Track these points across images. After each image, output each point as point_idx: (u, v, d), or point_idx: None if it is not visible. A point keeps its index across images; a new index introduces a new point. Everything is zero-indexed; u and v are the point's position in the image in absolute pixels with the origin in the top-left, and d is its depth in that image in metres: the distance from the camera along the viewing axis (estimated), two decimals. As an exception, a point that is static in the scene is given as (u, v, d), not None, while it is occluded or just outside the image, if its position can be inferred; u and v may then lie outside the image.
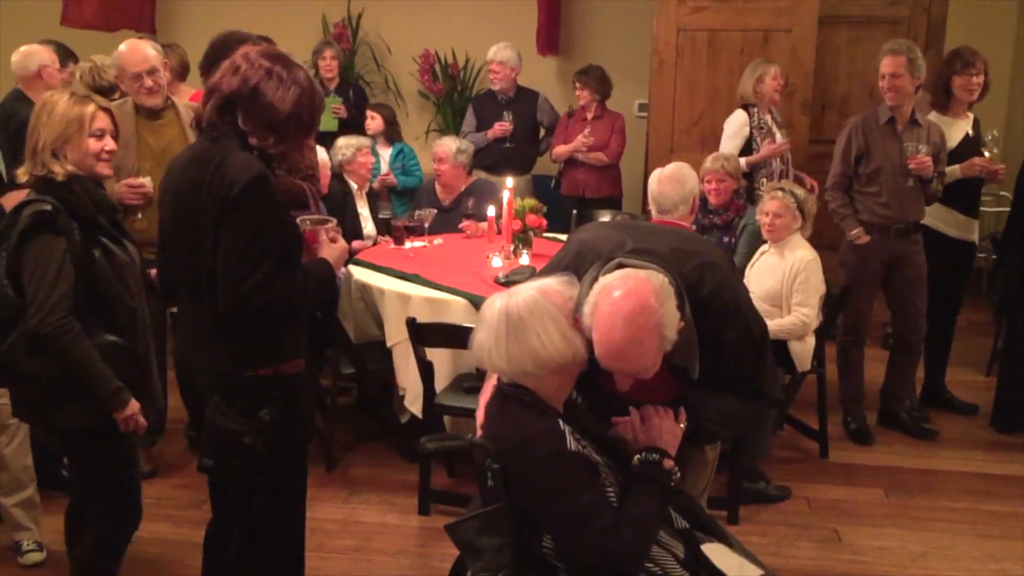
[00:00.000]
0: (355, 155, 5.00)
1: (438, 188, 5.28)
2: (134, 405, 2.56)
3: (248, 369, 2.35)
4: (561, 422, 2.04)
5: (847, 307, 4.30)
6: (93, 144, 2.56)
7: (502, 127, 5.82)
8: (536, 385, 2.06)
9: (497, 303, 2.07)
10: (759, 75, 4.96)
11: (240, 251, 2.21)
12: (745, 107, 5.03)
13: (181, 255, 2.37)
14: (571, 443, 2.00)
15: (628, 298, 2.00)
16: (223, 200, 2.21)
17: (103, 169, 2.62)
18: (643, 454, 2.11)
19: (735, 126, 5.02)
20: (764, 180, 4.96)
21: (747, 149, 4.96)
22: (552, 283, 2.10)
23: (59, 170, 2.49)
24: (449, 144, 5.18)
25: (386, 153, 5.76)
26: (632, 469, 2.12)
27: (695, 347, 2.15)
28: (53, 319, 2.43)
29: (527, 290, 2.07)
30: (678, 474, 2.11)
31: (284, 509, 2.53)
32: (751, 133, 4.97)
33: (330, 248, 2.48)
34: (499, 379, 2.14)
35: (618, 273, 2.08)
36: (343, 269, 4.25)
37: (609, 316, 2.00)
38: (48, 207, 2.45)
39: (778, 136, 5.02)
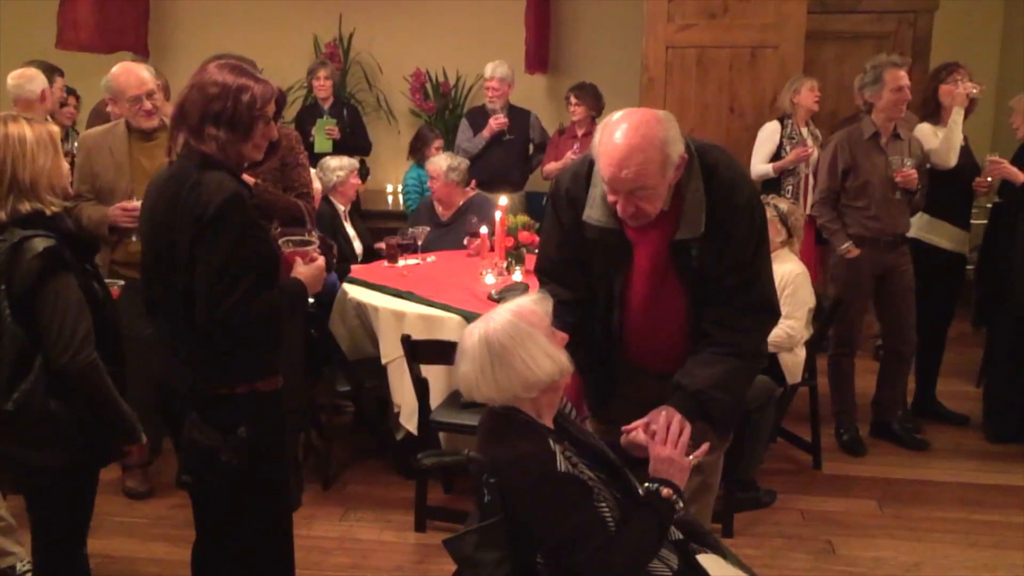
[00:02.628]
0: (348, 177, 5.04)
1: (436, 205, 5.33)
2: (144, 436, 2.58)
3: (225, 387, 2.36)
4: (551, 441, 2.06)
5: (838, 320, 4.35)
6: (64, 164, 2.52)
7: (498, 122, 5.88)
8: (526, 405, 2.09)
9: (476, 332, 2.08)
10: (796, 87, 5.22)
11: (218, 270, 2.23)
12: (781, 119, 5.26)
13: (159, 274, 2.39)
14: (561, 463, 2.02)
15: (634, 113, 2.23)
16: (199, 219, 2.23)
17: (70, 189, 2.59)
18: (649, 484, 2.13)
19: (766, 133, 5.26)
20: (790, 188, 5.17)
21: (777, 158, 5.22)
22: (526, 303, 2.14)
23: (51, 205, 2.43)
24: (441, 162, 5.22)
25: None
26: (634, 490, 2.15)
27: (702, 208, 2.26)
28: (82, 356, 2.37)
29: (502, 314, 2.10)
30: (680, 505, 2.12)
31: (272, 527, 2.55)
32: (781, 142, 5.19)
33: (305, 268, 2.50)
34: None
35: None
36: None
37: (615, 125, 2.21)
38: (53, 242, 2.36)
39: (811, 145, 5.20)
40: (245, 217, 2.29)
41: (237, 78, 2.32)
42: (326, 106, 6.20)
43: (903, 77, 4.24)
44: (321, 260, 2.57)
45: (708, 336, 2.38)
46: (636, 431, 2.26)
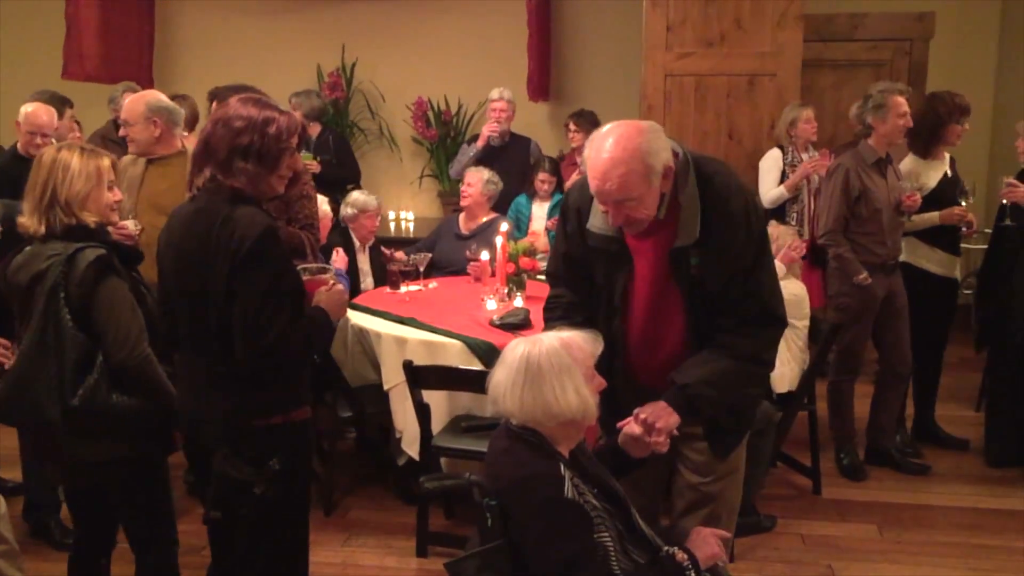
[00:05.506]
0: (357, 216, 5.08)
1: (461, 217, 5.42)
2: None
3: (260, 418, 2.37)
4: (562, 467, 2.08)
5: (842, 346, 4.38)
6: (108, 196, 2.67)
7: (490, 127, 5.92)
8: (543, 430, 2.12)
9: (520, 348, 2.13)
10: (792, 119, 5.27)
11: (257, 305, 2.24)
12: (780, 147, 5.30)
13: (187, 308, 2.39)
14: (568, 489, 2.04)
15: (618, 127, 2.31)
16: (235, 255, 2.24)
17: (114, 217, 2.74)
18: (668, 548, 2.17)
19: (770, 161, 5.30)
20: (795, 215, 5.23)
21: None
22: (577, 337, 2.18)
23: (90, 218, 2.59)
24: (483, 172, 5.35)
25: (546, 205, 5.74)
26: (637, 526, 2.20)
27: (697, 215, 2.33)
28: (138, 351, 2.54)
29: (551, 340, 2.14)
30: (692, 574, 2.13)
31: (290, 554, 2.55)
32: (785, 170, 5.24)
33: (326, 296, 2.51)
34: (508, 419, 2.19)
35: None
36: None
37: (600, 140, 2.30)
38: (104, 251, 2.56)
39: (814, 176, 5.24)
40: (280, 250, 2.33)
41: (262, 111, 2.35)
42: (313, 134, 6.17)
43: (904, 103, 4.28)
44: (340, 286, 2.59)
45: (710, 341, 2.43)
46: (628, 423, 2.34)
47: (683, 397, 2.36)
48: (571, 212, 2.56)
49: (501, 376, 2.13)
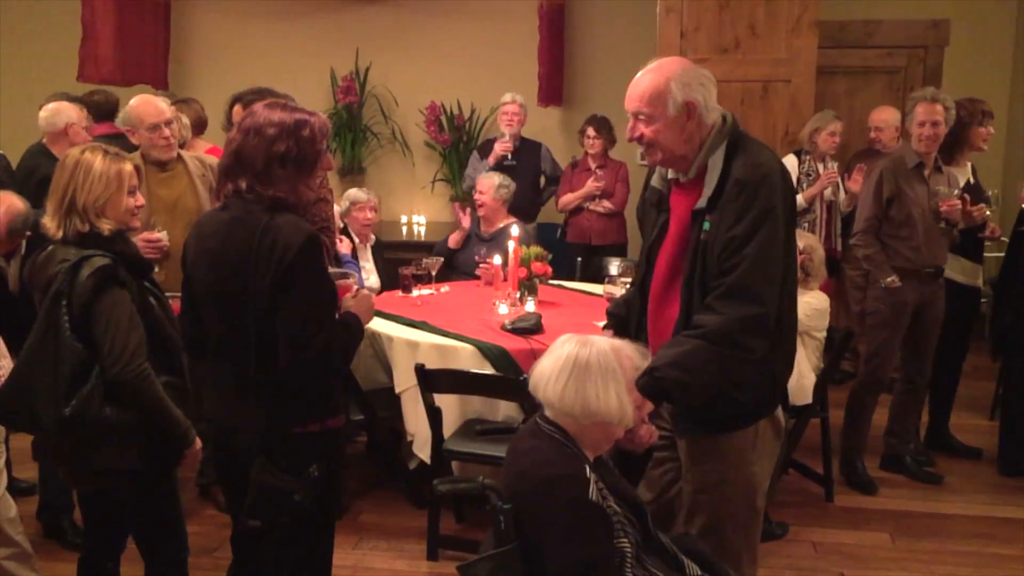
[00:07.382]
0: (350, 208, 5.11)
1: (480, 222, 5.48)
2: (199, 441, 2.64)
3: (298, 426, 2.36)
4: (588, 468, 2.10)
5: (870, 352, 4.38)
6: (129, 201, 2.65)
7: (503, 145, 5.95)
8: (575, 430, 2.14)
9: (571, 344, 2.16)
10: (817, 126, 5.27)
11: (304, 314, 2.24)
12: (797, 152, 5.29)
13: (222, 317, 2.37)
14: (593, 492, 2.05)
15: (660, 59, 2.47)
16: (279, 264, 2.22)
17: (135, 223, 2.71)
18: None
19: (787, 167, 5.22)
20: (806, 225, 5.21)
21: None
22: (627, 347, 2.21)
23: (106, 226, 2.57)
24: (493, 178, 5.38)
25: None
26: (654, 535, 2.21)
27: (716, 176, 2.39)
28: (133, 366, 2.49)
29: (602, 342, 2.17)
30: None
31: (317, 559, 2.56)
32: (799, 178, 5.23)
33: (354, 301, 2.50)
34: (538, 413, 2.21)
35: None
36: None
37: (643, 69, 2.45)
38: (108, 260, 2.52)
39: (832, 167, 5.27)
40: (321, 258, 2.32)
41: (291, 114, 2.32)
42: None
43: (927, 112, 4.23)
44: (366, 291, 2.59)
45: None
46: None
47: (651, 380, 2.28)
48: (648, 176, 2.70)
49: (548, 365, 2.16)
